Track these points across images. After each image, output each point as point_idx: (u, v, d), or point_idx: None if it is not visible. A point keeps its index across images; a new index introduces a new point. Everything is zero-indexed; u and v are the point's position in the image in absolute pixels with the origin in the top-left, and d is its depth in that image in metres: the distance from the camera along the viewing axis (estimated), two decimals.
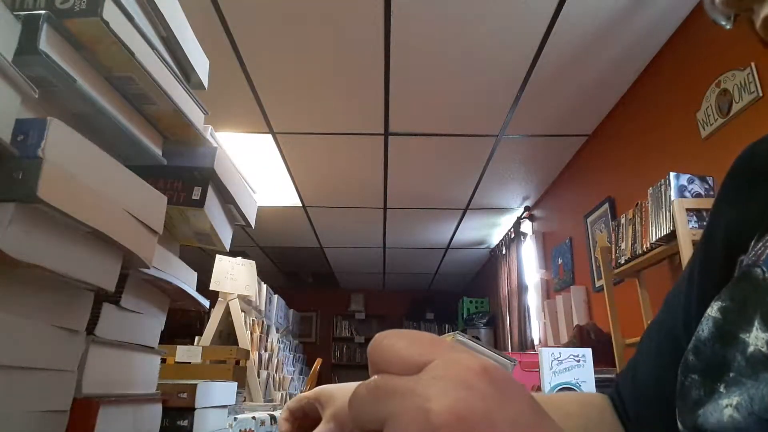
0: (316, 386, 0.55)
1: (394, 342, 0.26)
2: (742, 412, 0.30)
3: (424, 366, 0.24)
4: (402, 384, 0.23)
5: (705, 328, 0.36)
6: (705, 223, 0.48)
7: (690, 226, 1.76)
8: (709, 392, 0.33)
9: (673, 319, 0.47)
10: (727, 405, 0.31)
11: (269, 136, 3.23)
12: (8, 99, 0.38)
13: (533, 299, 4.14)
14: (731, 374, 0.32)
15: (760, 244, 0.37)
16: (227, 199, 0.77)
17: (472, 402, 0.22)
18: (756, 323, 0.32)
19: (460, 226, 4.88)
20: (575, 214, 3.36)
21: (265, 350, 2.33)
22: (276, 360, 2.51)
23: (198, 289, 0.75)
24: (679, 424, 0.36)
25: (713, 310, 0.36)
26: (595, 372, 1.31)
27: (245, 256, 2.21)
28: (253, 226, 0.86)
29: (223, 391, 0.88)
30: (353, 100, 2.81)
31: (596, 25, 2.21)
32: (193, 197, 0.68)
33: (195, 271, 0.75)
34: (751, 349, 0.32)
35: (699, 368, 0.35)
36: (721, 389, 0.33)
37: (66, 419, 0.46)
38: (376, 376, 0.25)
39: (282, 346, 2.83)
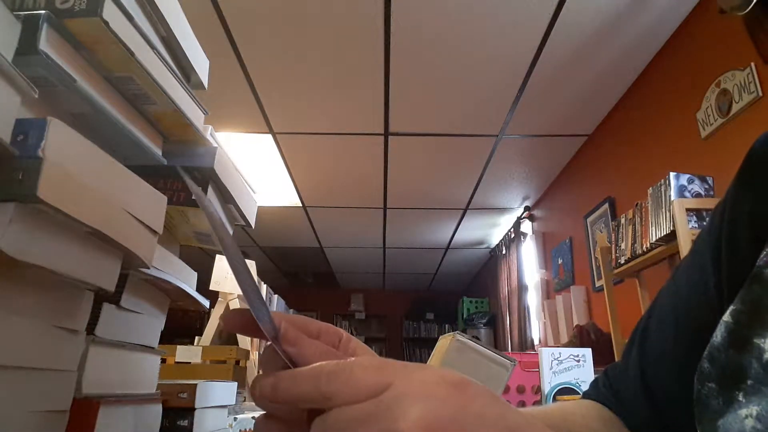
0: None
1: (350, 373, 0.25)
2: (764, 421, 0.28)
3: (383, 390, 0.24)
4: (365, 411, 0.24)
5: (719, 334, 0.34)
6: (722, 203, 0.42)
7: (690, 226, 1.76)
8: (728, 401, 0.32)
9: (698, 310, 0.42)
10: (747, 415, 0.30)
11: (269, 136, 3.22)
12: (8, 99, 0.38)
13: (533, 299, 4.14)
14: (749, 382, 0.31)
15: None
16: (227, 199, 0.77)
17: (436, 410, 0.23)
18: None
19: (460, 226, 4.88)
20: (575, 214, 3.36)
21: None
22: None
23: (198, 289, 0.75)
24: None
25: (726, 314, 0.34)
26: (595, 372, 1.31)
27: (245, 256, 2.21)
28: (253, 226, 0.86)
29: (223, 391, 0.88)
30: (353, 100, 2.81)
31: (596, 25, 2.21)
32: (193, 197, 0.68)
33: (195, 271, 0.75)
34: (767, 356, 0.30)
35: (715, 376, 0.34)
36: (740, 398, 0.31)
37: (66, 419, 0.46)
38: (335, 410, 0.25)
39: None
